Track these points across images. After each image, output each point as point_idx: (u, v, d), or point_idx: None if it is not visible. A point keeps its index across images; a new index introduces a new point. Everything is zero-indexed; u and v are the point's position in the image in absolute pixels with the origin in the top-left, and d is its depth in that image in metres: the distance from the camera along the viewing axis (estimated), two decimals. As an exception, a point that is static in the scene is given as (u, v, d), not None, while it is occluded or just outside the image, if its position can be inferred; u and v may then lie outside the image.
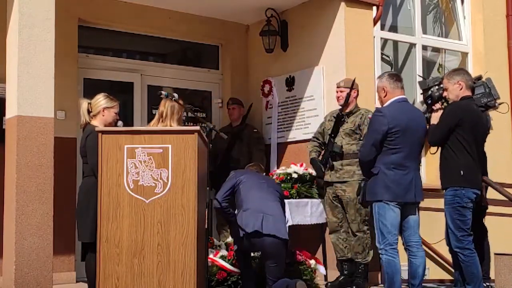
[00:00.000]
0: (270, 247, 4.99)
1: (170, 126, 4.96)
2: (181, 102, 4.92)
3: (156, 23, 7.16)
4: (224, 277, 5.37)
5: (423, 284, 6.53)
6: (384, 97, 5.05)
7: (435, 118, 5.43)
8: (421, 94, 5.95)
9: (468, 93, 5.31)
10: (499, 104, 5.61)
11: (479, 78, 5.63)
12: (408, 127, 4.82)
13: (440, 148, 5.39)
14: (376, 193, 4.89)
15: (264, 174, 5.73)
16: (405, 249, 5.04)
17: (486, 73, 5.63)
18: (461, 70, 5.56)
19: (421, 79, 5.90)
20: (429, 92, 5.59)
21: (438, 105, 5.55)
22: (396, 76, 5.06)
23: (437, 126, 5.30)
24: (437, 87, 5.56)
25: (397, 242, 4.87)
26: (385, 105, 5.05)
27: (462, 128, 5.13)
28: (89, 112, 4.98)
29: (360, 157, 5.02)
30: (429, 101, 5.57)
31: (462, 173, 5.11)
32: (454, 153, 5.15)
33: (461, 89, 5.29)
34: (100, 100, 4.98)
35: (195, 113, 5.30)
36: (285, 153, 7.21)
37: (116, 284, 4.01)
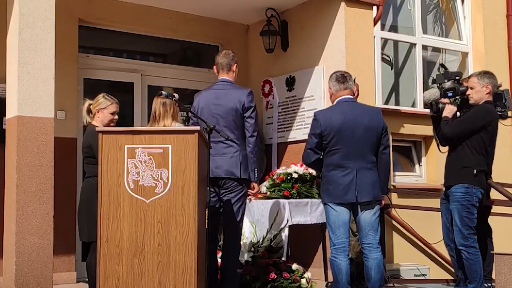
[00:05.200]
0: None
1: (164, 125, 4.93)
2: (178, 102, 4.88)
3: (156, 23, 7.16)
4: (224, 277, 5.36)
5: (423, 283, 6.56)
6: (331, 97, 5.09)
7: (449, 110, 5.48)
8: (436, 84, 5.90)
9: (491, 98, 5.43)
10: (509, 117, 5.68)
11: (499, 86, 5.64)
12: (343, 128, 4.77)
13: (448, 147, 5.47)
14: (321, 196, 4.96)
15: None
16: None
17: (501, 83, 5.66)
18: (491, 73, 5.55)
19: (443, 69, 5.90)
20: (454, 84, 5.60)
21: (446, 100, 5.57)
22: (341, 77, 5.01)
23: (463, 121, 5.37)
24: (457, 82, 5.59)
25: (342, 242, 4.77)
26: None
27: (486, 131, 5.29)
28: (90, 112, 4.97)
29: (302, 161, 5.03)
30: (451, 93, 5.58)
31: (475, 172, 5.22)
32: (471, 152, 5.25)
33: (488, 92, 5.39)
34: (97, 101, 4.97)
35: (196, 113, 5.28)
36: (285, 153, 7.21)
37: (116, 284, 4.00)
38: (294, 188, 6.28)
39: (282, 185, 6.37)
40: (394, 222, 7.42)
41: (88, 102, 5.01)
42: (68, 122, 6.42)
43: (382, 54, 8.02)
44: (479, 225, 5.34)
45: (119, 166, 4.07)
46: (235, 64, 5.23)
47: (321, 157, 4.93)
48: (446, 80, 5.73)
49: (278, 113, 7.32)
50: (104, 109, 4.94)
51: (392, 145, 7.05)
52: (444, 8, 8.86)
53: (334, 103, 5.01)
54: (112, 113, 4.97)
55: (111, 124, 4.96)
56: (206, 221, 4.47)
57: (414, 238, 7.59)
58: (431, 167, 8.04)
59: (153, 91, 6.45)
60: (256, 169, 5.09)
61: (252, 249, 5.91)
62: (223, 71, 5.20)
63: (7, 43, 5.08)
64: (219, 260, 5.25)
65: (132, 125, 6.90)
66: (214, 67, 5.25)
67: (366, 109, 5.01)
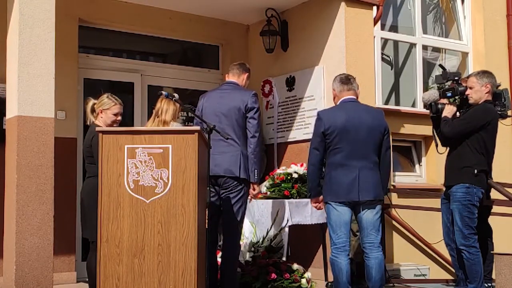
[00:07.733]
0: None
1: (165, 120, 5.02)
2: (179, 101, 4.92)
3: (156, 23, 7.16)
4: (224, 277, 5.36)
5: (423, 283, 6.56)
6: (334, 99, 5.12)
7: (448, 110, 5.49)
8: (435, 85, 5.92)
9: (490, 98, 5.43)
10: (508, 116, 5.68)
11: (498, 85, 5.64)
12: (346, 127, 4.81)
13: (448, 147, 5.47)
14: (323, 195, 4.94)
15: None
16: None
17: (500, 82, 5.66)
18: (490, 73, 5.55)
19: (442, 70, 5.91)
20: (453, 85, 5.60)
21: (445, 100, 5.58)
22: (345, 78, 5.07)
23: (463, 120, 5.37)
24: (456, 82, 5.58)
25: (343, 242, 4.78)
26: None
27: (486, 130, 5.29)
28: (94, 111, 4.96)
29: (308, 161, 5.02)
30: (450, 94, 5.59)
31: (475, 172, 5.22)
32: (472, 152, 5.25)
33: (487, 92, 5.39)
34: (100, 101, 4.96)
35: (196, 113, 5.30)
36: (285, 153, 7.21)
37: (116, 284, 4.00)
38: (294, 188, 6.28)
39: (282, 185, 6.37)
40: (394, 222, 7.42)
41: (92, 101, 5.00)
42: (68, 122, 6.41)
43: (382, 54, 8.02)
44: (479, 225, 5.35)
45: (119, 166, 4.07)
46: (246, 74, 5.37)
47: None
48: (445, 81, 5.74)
49: (278, 113, 7.32)
50: (107, 109, 4.93)
51: (392, 145, 7.04)
52: (444, 8, 8.86)
53: (337, 103, 5.05)
54: (115, 114, 4.95)
55: (114, 125, 4.93)
56: (206, 221, 4.47)
57: (414, 238, 7.59)
58: (431, 167, 8.04)
59: (153, 91, 6.45)
60: (256, 170, 5.10)
61: (252, 249, 5.92)
62: (233, 76, 5.34)
63: (7, 43, 5.08)
64: (219, 260, 5.26)
65: (132, 125, 6.90)
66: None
67: (369, 110, 5.06)
